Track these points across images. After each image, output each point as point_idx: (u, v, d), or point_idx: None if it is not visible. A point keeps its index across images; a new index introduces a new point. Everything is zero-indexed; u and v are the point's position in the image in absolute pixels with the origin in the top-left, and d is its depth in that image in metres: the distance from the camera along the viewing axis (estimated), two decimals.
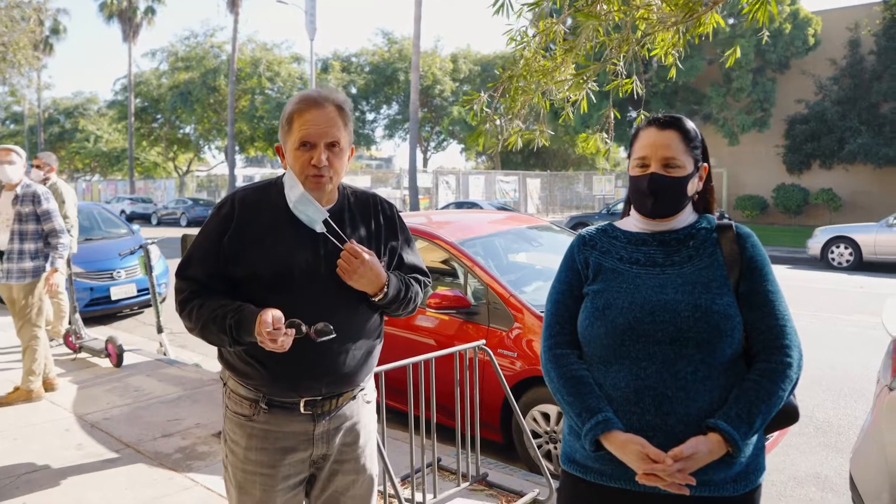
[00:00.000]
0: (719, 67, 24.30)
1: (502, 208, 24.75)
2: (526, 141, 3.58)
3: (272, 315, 1.74)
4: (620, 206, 20.91)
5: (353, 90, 38.90)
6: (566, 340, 1.79)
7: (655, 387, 1.62)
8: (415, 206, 26.36)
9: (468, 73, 38.91)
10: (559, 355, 1.78)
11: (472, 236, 5.04)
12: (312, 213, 1.91)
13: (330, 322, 1.85)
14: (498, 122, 3.39)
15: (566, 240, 5.70)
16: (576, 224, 20.83)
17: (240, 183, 49.33)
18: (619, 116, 4.03)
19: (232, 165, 36.29)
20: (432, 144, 44.02)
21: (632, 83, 3.17)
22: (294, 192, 1.92)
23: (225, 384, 2.06)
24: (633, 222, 1.84)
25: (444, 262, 4.93)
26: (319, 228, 1.92)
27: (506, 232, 5.52)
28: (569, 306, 1.80)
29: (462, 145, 43.09)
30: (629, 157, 1.83)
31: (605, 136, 3.47)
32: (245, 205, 1.95)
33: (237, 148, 40.44)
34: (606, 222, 1.93)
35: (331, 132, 1.90)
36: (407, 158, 28.38)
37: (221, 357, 2.03)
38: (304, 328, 1.78)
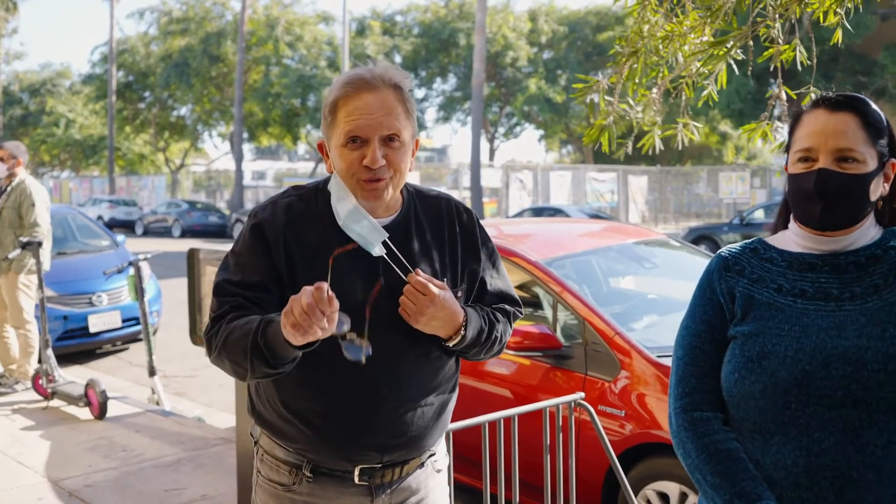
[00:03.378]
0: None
1: (595, 216, 24.66)
2: (665, 138, 3.59)
3: (327, 288, 1.64)
4: (758, 214, 20.52)
5: (398, 58, 39.46)
6: (706, 400, 1.78)
7: (835, 466, 1.61)
8: (478, 213, 26.45)
9: (551, 36, 39.05)
10: (697, 420, 1.77)
11: (562, 254, 5.05)
12: (367, 233, 1.94)
13: (396, 372, 1.91)
14: (637, 112, 3.41)
15: (689, 259, 5.65)
16: (696, 238, 20.50)
17: (248, 180, 50.34)
18: (773, 97, 3.95)
19: (239, 158, 37.18)
20: (501, 130, 44.26)
21: (793, 50, 3.14)
22: (343, 206, 1.96)
23: (256, 443, 2.14)
24: (793, 238, 1.82)
25: (524, 287, 4.95)
26: (377, 252, 1.95)
27: (606, 248, 5.51)
28: (708, 353, 1.80)
29: (541, 131, 43.12)
30: (787, 149, 1.81)
31: (779, 123, 3.44)
32: (292, 216, 2.00)
33: (246, 135, 41.46)
34: (754, 238, 1.90)
35: (388, 122, 1.91)
36: (467, 149, 28.60)
37: (253, 410, 2.10)
38: (346, 329, 1.70)
